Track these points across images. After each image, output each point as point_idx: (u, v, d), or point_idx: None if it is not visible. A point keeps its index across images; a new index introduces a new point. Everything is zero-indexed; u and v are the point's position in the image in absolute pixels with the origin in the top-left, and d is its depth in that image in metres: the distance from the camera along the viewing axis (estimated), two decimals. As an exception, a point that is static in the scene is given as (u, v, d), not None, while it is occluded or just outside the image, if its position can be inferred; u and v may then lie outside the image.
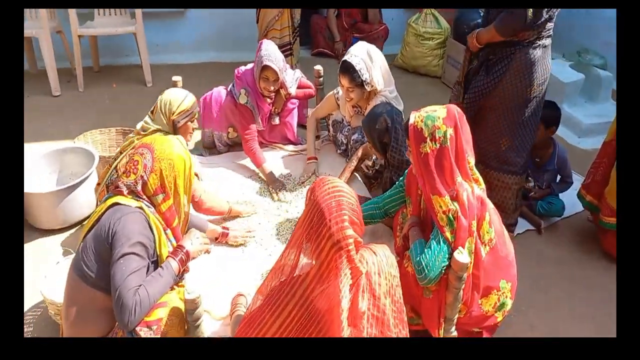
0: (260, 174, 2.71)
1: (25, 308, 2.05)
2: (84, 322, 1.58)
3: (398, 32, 4.43)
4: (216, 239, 2.21)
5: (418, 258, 1.63)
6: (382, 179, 2.39)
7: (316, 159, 2.72)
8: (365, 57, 2.40)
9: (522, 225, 2.61)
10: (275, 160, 2.83)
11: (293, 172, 2.75)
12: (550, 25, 2.10)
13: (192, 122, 2.17)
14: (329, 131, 2.95)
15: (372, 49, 2.45)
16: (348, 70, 2.37)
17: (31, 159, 2.60)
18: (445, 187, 1.64)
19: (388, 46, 4.52)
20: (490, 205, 1.74)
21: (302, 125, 3.06)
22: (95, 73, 4.20)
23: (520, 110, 2.20)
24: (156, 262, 1.64)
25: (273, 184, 2.61)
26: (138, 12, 3.77)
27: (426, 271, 1.60)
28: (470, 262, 1.64)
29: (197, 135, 3.01)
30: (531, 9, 1.96)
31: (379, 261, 1.36)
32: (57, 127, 3.34)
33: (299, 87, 2.87)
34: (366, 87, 2.40)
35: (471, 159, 1.71)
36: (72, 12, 3.63)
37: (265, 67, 2.55)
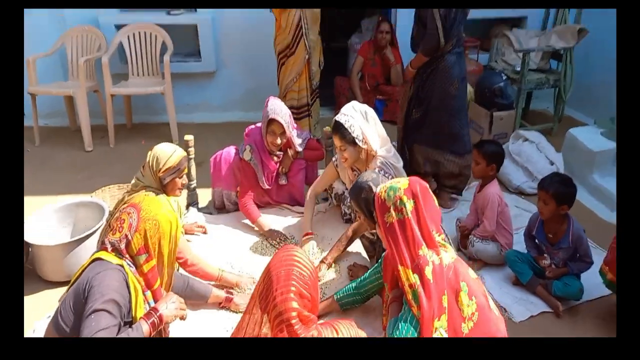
0: (257, 229, 2.67)
1: None
2: None
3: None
4: (220, 304, 2.14)
5: (390, 336, 1.51)
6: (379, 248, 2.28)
7: (313, 234, 2.58)
8: (355, 114, 2.37)
9: (539, 306, 2.38)
10: (279, 221, 2.79)
11: (296, 236, 2.68)
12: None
13: (179, 178, 2.17)
14: (331, 202, 2.88)
15: (365, 107, 2.42)
16: (338, 128, 2.34)
17: (46, 212, 2.71)
18: (410, 258, 1.56)
19: (411, 108, 4.52)
20: (468, 274, 1.61)
21: (310, 185, 3.02)
22: (128, 130, 4.44)
23: (451, 102, 2.96)
24: (130, 323, 1.61)
25: (272, 237, 2.56)
26: (167, 73, 4.01)
27: None
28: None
29: (208, 195, 3.05)
30: (442, 35, 2.78)
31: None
32: (84, 182, 3.50)
33: (308, 148, 2.86)
34: (359, 144, 2.33)
35: (437, 236, 1.62)
36: (107, 73, 3.92)
37: (272, 121, 2.58)
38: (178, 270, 2.22)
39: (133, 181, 2.24)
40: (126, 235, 1.65)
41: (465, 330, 1.53)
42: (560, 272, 2.41)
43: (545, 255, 2.47)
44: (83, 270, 1.64)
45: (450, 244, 2.24)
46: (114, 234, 1.67)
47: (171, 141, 4.08)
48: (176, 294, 2.01)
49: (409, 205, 1.59)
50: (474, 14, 4.48)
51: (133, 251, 1.65)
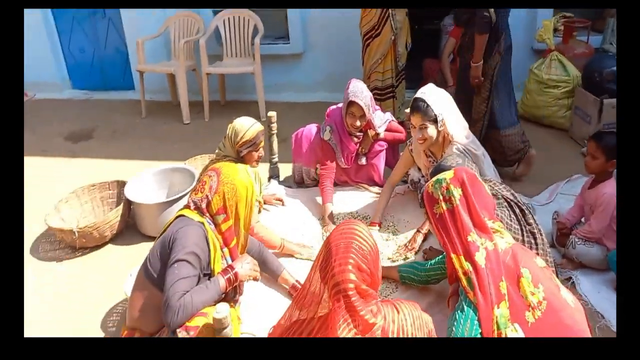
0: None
1: (114, 303, 2.31)
2: (144, 315, 1.73)
3: (519, 78, 4.13)
4: (287, 289, 2.17)
5: (448, 334, 1.47)
6: None
7: (380, 225, 2.58)
8: (436, 92, 2.29)
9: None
10: (354, 201, 2.81)
11: (371, 215, 2.67)
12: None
13: (256, 151, 2.27)
14: (409, 187, 2.83)
15: (442, 90, 2.33)
16: (419, 105, 2.25)
17: (145, 176, 3.01)
18: (461, 247, 1.52)
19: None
20: (532, 261, 1.51)
21: (390, 167, 2.99)
22: (222, 106, 4.74)
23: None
24: (209, 276, 1.73)
25: (326, 224, 2.60)
26: (257, 55, 4.21)
27: None
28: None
29: (289, 169, 3.16)
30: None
31: (401, 320, 1.24)
32: (180, 151, 3.81)
33: (388, 130, 2.83)
34: (439, 126, 2.26)
35: (491, 223, 1.56)
36: (204, 54, 4.21)
37: (352, 103, 2.59)
38: None
39: (216, 151, 2.42)
40: (207, 196, 1.77)
41: (531, 319, 1.45)
42: None
43: None
44: (169, 225, 1.79)
45: (544, 237, 2.09)
46: (197, 194, 1.80)
47: (258, 118, 4.30)
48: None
49: (457, 193, 1.57)
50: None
51: (212, 210, 1.77)
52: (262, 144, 2.33)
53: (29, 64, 5.20)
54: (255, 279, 1.85)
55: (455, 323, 1.46)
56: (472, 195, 1.57)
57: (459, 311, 1.48)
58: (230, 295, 1.80)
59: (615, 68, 3.44)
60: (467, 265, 1.49)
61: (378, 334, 1.21)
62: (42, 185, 3.46)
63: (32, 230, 2.91)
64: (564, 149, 3.54)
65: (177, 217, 1.79)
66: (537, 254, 1.99)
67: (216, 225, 1.78)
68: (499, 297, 1.44)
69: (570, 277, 2.29)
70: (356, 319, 1.20)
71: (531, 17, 4.24)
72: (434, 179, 1.65)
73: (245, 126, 2.25)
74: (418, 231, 2.39)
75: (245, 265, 1.79)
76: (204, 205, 1.77)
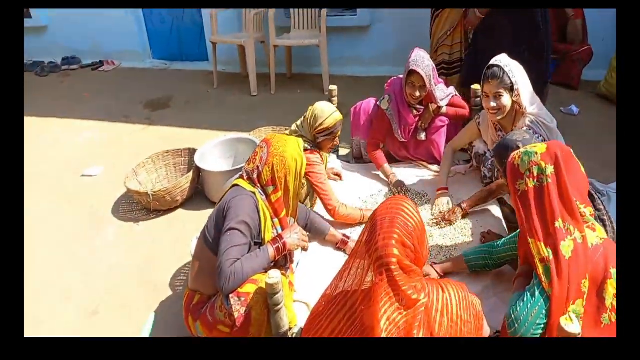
0: (382, 176, 2.71)
1: (182, 264, 2.51)
2: (202, 278, 1.86)
3: (605, 55, 3.77)
4: (336, 244, 2.25)
5: (510, 310, 1.42)
6: None
7: (447, 189, 2.52)
8: (510, 62, 2.17)
9: None
10: (413, 177, 2.77)
11: (429, 193, 2.62)
12: None
13: (332, 140, 2.28)
14: (472, 164, 2.72)
15: (514, 61, 2.20)
16: (495, 72, 2.15)
17: (213, 144, 3.18)
18: (543, 231, 1.40)
19: (589, 71, 3.90)
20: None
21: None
22: (288, 79, 4.82)
23: None
24: (260, 244, 1.82)
25: (394, 185, 2.60)
26: (323, 27, 4.20)
27: (516, 326, 1.37)
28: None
29: (347, 146, 3.18)
30: None
31: (446, 299, 1.24)
32: (247, 122, 3.97)
33: (451, 105, 2.73)
34: (514, 95, 2.14)
35: (583, 208, 1.41)
36: (272, 26, 4.27)
37: (412, 72, 2.52)
38: (304, 202, 2.42)
39: (293, 127, 2.45)
40: (257, 167, 1.83)
41: (607, 321, 1.37)
42: None
43: None
44: (225, 194, 1.88)
45: (614, 225, 1.96)
46: (249, 164, 1.87)
47: (322, 91, 4.32)
48: (297, 220, 2.20)
49: (549, 170, 1.43)
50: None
51: (263, 181, 1.83)
52: (339, 133, 2.35)
53: (116, 31, 5.60)
54: (304, 249, 1.91)
55: (522, 304, 1.40)
56: (565, 175, 1.43)
57: (529, 294, 1.41)
58: (281, 263, 1.89)
59: None
60: (548, 253, 1.40)
61: (421, 310, 1.21)
62: (123, 149, 3.80)
63: (113, 192, 3.22)
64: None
65: (232, 186, 1.88)
66: None
67: (267, 195, 1.84)
68: (578, 293, 1.36)
69: None
70: (399, 294, 1.21)
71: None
72: (523, 149, 1.52)
73: (326, 113, 2.27)
74: (459, 205, 2.33)
75: (294, 235, 1.84)
76: (255, 176, 1.83)
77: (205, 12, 5.00)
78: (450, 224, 2.31)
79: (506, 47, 2.46)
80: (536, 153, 1.47)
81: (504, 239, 1.92)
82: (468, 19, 3.17)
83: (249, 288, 1.67)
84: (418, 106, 2.72)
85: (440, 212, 2.36)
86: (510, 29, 2.89)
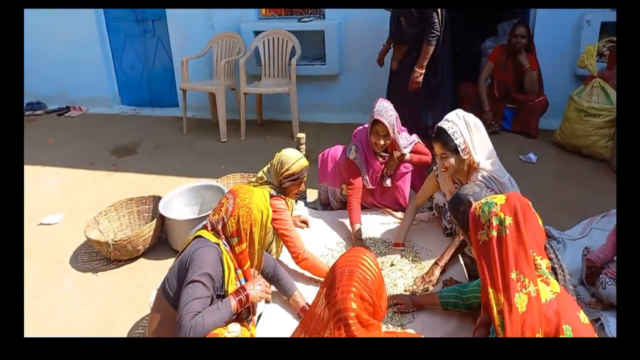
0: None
1: (141, 316, 2.40)
2: (161, 332, 1.78)
3: (560, 105, 3.99)
4: (297, 310, 2.15)
5: None
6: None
7: (403, 245, 2.55)
8: (459, 122, 2.25)
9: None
10: (378, 225, 2.80)
11: (392, 240, 2.64)
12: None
13: (298, 186, 2.31)
14: (434, 213, 2.78)
15: (470, 116, 2.28)
16: (440, 134, 2.24)
17: (179, 192, 3.13)
18: (502, 282, 1.41)
19: (546, 120, 4.12)
20: (575, 316, 1.40)
21: (416, 190, 2.96)
22: (258, 125, 4.87)
23: None
24: (222, 297, 1.77)
25: (354, 245, 2.58)
26: (293, 75, 4.32)
27: None
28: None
29: (315, 193, 3.19)
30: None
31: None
32: (215, 168, 3.95)
33: (414, 152, 2.81)
34: (462, 154, 2.22)
35: (539, 260, 1.44)
36: (243, 74, 4.37)
37: (376, 122, 2.60)
38: (269, 248, 2.38)
39: (259, 174, 2.47)
40: (223, 218, 1.82)
41: None
42: None
43: None
44: (187, 245, 1.85)
45: (566, 274, 2.00)
46: (214, 215, 1.86)
47: (292, 138, 4.38)
48: (265, 275, 2.16)
49: (507, 221, 1.46)
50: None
51: (227, 233, 1.81)
52: (305, 179, 2.38)
53: (85, 79, 5.59)
54: (267, 301, 1.88)
55: None
56: (523, 226, 1.46)
57: None
58: (244, 315, 1.84)
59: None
60: (504, 304, 1.40)
61: None
62: (86, 196, 3.69)
63: (73, 241, 3.09)
64: (603, 182, 3.37)
65: (195, 237, 1.85)
66: None
67: (231, 247, 1.82)
68: None
69: (599, 318, 2.17)
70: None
71: (575, 40, 4.11)
72: (483, 200, 1.55)
73: (293, 159, 2.31)
74: (436, 264, 2.34)
75: (257, 287, 1.82)
76: (219, 227, 1.82)
77: (176, 59, 5.08)
78: (433, 286, 2.27)
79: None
80: (496, 204, 1.50)
81: (472, 284, 1.94)
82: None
83: None
84: (383, 154, 2.79)
85: (418, 277, 2.33)
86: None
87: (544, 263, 1.49)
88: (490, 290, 1.44)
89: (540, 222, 1.55)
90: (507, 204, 1.48)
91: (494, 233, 1.46)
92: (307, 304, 2.16)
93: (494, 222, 1.47)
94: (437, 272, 2.30)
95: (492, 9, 5.45)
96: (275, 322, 2.10)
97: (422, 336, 1.37)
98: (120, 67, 5.61)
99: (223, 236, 1.82)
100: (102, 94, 5.65)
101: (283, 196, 2.37)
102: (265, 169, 2.45)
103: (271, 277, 2.16)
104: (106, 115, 5.55)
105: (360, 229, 2.64)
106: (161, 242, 3.02)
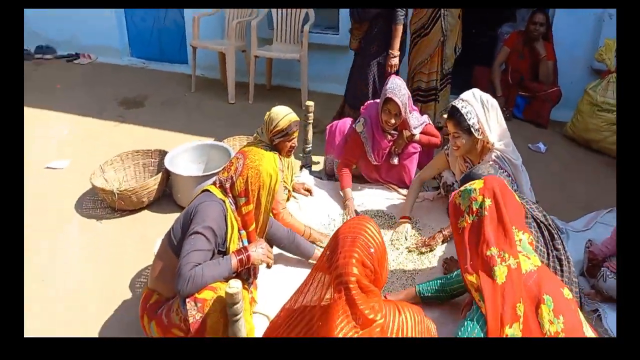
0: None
1: (143, 265, 2.45)
2: (162, 278, 1.83)
3: (574, 98, 3.97)
4: None
5: (454, 336, 1.47)
6: None
7: (409, 219, 2.58)
8: (474, 102, 2.23)
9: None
10: (382, 199, 2.83)
11: (396, 217, 2.67)
12: None
13: (288, 141, 2.31)
14: (440, 192, 2.81)
15: (487, 96, 2.27)
16: (453, 113, 2.24)
17: (185, 148, 3.16)
18: (479, 261, 1.47)
19: (558, 111, 4.09)
20: (558, 290, 1.46)
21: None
22: (267, 90, 4.84)
23: None
24: (224, 254, 1.81)
25: (347, 209, 2.64)
26: (305, 42, 4.25)
27: None
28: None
29: (321, 162, 3.22)
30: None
31: (402, 321, 1.27)
32: (222, 128, 3.95)
33: (424, 133, 2.82)
34: (475, 134, 2.21)
35: (521, 235, 1.48)
36: (254, 36, 4.31)
37: (388, 100, 2.59)
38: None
39: (255, 134, 2.50)
40: (231, 177, 1.83)
41: None
42: None
43: None
44: (194, 198, 1.88)
45: (571, 266, 2.03)
46: (224, 173, 1.87)
47: (300, 106, 4.36)
48: (281, 245, 2.19)
49: (487, 203, 1.50)
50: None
51: (235, 192, 1.83)
52: (296, 134, 2.36)
53: (95, 25, 5.50)
54: (268, 265, 1.90)
55: (462, 328, 1.45)
56: (503, 206, 1.50)
57: (469, 320, 1.47)
58: (244, 276, 1.88)
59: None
60: (481, 279, 1.45)
61: (377, 331, 1.24)
62: (93, 145, 3.71)
63: (78, 187, 3.12)
64: (610, 177, 3.37)
65: (202, 191, 1.87)
66: (562, 281, 1.91)
67: (237, 206, 1.84)
68: (513, 317, 1.41)
69: (597, 310, 2.20)
70: (356, 313, 1.23)
71: (595, 33, 4.05)
72: (462, 188, 1.59)
73: (281, 115, 2.26)
74: (440, 231, 2.39)
75: (259, 250, 1.83)
76: (227, 186, 1.83)
77: (188, 15, 4.99)
78: (431, 250, 2.36)
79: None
80: (475, 190, 1.53)
81: (454, 274, 1.96)
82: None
83: (208, 294, 1.65)
84: (392, 132, 2.79)
85: (422, 238, 2.40)
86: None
87: (525, 237, 1.54)
88: (465, 275, 1.50)
89: (517, 199, 1.59)
90: (485, 187, 1.52)
91: (474, 217, 1.50)
92: None
93: (474, 207, 1.51)
94: (438, 238, 2.36)
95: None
96: (277, 282, 2.14)
97: (421, 310, 1.41)
98: (132, 18, 5.51)
99: (230, 195, 1.84)
100: (112, 44, 5.58)
101: (276, 153, 2.37)
102: (259, 129, 2.45)
103: (289, 247, 2.19)
104: (115, 65, 5.49)
105: (352, 198, 2.70)
106: (165, 197, 3.05)
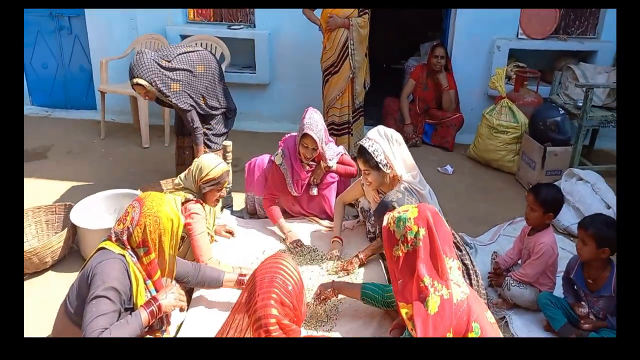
0: (278, 232, 2.75)
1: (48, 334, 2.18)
2: None
3: (474, 122, 4.31)
4: (235, 285, 2.12)
5: None
6: None
7: (341, 239, 2.65)
8: (380, 139, 2.35)
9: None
10: (307, 231, 2.83)
11: (321, 247, 2.68)
12: None
13: (218, 190, 2.27)
14: (360, 219, 2.88)
15: (391, 131, 2.39)
16: (362, 152, 2.34)
17: (94, 199, 2.94)
18: (415, 291, 1.49)
19: (463, 135, 4.42)
20: (483, 315, 1.52)
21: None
22: (184, 132, 4.71)
23: None
24: (131, 310, 1.68)
25: (291, 244, 2.64)
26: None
27: None
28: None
29: (242, 201, 3.15)
30: None
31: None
32: (136, 175, 3.75)
33: (341, 163, 2.88)
34: (384, 169, 2.31)
35: (451, 262, 1.54)
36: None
37: (305, 135, 2.63)
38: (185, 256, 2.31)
39: (176, 180, 2.40)
40: (128, 228, 1.71)
41: None
42: (597, 325, 2.20)
43: (583, 302, 2.28)
44: (89, 259, 1.73)
45: (479, 278, 2.15)
46: (119, 225, 1.75)
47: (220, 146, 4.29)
48: (188, 282, 2.07)
49: (421, 233, 1.52)
50: (539, 45, 4.38)
51: (133, 243, 1.71)
52: (227, 184, 2.34)
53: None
54: (181, 309, 1.80)
55: None
56: (436, 235, 1.53)
57: None
58: (157, 326, 1.76)
59: (558, 119, 3.65)
60: (414, 309, 1.47)
61: None
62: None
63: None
64: (509, 192, 3.69)
65: (98, 249, 1.74)
66: None
67: (138, 258, 1.73)
68: None
69: (504, 317, 2.39)
70: None
71: (487, 64, 4.48)
72: (396, 215, 1.60)
73: (212, 164, 2.28)
74: (356, 255, 2.46)
75: (170, 296, 1.73)
76: (124, 238, 1.72)
77: (95, 60, 4.78)
78: (347, 274, 2.42)
79: None
80: (409, 219, 1.55)
81: (390, 286, 2.00)
82: None
83: None
84: (311, 162, 2.82)
85: (341, 263, 2.47)
86: None
87: (455, 264, 1.58)
88: (400, 304, 1.52)
89: (446, 225, 1.66)
90: (419, 216, 1.55)
91: (409, 248, 1.53)
92: (240, 274, 2.13)
93: (409, 236, 1.53)
94: (355, 262, 2.43)
95: (414, 29, 5.81)
96: (200, 329, 2.01)
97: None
98: (31, 64, 5.16)
99: (129, 247, 1.72)
100: (8, 92, 5.15)
101: (200, 201, 2.33)
102: (182, 175, 2.40)
103: (198, 282, 2.09)
104: (12, 115, 5.05)
105: (290, 230, 2.71)
106: (72, 253, 2.80)
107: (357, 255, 2.47)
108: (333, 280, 2.19)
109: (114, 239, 1.73)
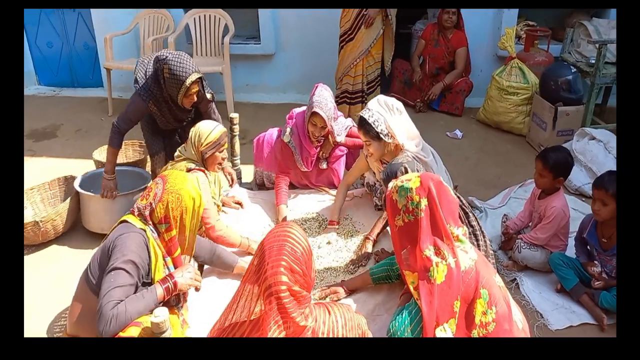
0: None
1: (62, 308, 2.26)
2: (83, 322, 1.71)
3: (484, 85, 4.22)
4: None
5: (390, 324, 1.50)
6: None
7: (338, 223, 2.60)
8: (380, 108, 2.29)
9: (581, 316, 2.20)
10: (314, 203, 2.84)
11: (328, 217, 2.69)
12: None
13: (219, 152, 2.27)
14: (366, 190, 2.87)
15: (392, 100, 2.33)
16: (362, 123, 2.29)
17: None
18: (418, 261, 1.50)
19: (472, 99, 4.33)
20: (492, 280, 1.52)
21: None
22: (192, 106, 4.69)
23: None
24: (149, 285, 1.71)
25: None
26: (226, 54, 4.19)
27: None
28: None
29: (252, 171, 3.15)
30: None
31: (332, 321, 1.26)
32: (141, 151, 3.75)
33: (349, 136, 2.84)
34: (385, 139, 2.26)
35: (456, 230, 1.53)
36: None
37: (314, 114, 2.59)
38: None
39: (176, 153, 2.41)
40: (150, 204, 1.74)
41: (476, 335, 1.47)
42: (610, 284, 2.20)
43: (596, 262, 2.27)
44: (111, 231, 1.77)
45: (487, 239, 2.15)
46: (142, 200, 1.78)
47: (226, 118, 4.26)
48: (203, 260, 2.12)
49: (422, 204, 1.52)
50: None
51: (155, 219, 1.74)
52: (226, 145, 2.34)
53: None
54: (196, 289, 1.83)
55: (400, 319, 1.47)
56: (438, 204, 1.52)
57: (406, 311, 1.49)
58: (172, 303, 1.78)
59: (569, 77, 3.54)
60: (418, 279, 1.48)
61: (308, 335, 1.22)
62: None
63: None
64: (520, 155, 3.64)
65: (120, 222, 1.77)
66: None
67: (159, 233, 1.76)
68: (450, 314, 1.45)
69: (515, 279, 2.40)
70: (287, 321, 1.21)
71: (496, 24, 4.33)
72: (398, 184, 1.59)
73: (209, 128, 2.28)
74: (367, 238, 2.41)
75: (186, 274, 1.76)
76: (147, 213, 1.74)
77: (100, 37, 4.74)
78: (366, 261, 2.34)
79: None
80: (411, 189, 1.54)
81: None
82: None
83: (132, 331, 1.55)
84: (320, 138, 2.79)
85: (353, 259, 2.36)
86: None
87: (460, 231, 1.58)
88: (406, 273, 1.52)
89: (452, 193, 1.63)
90: (421, 186, 1.54)
91: (411, 218, 1.52)
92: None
93: (410, 206, 1.53)
94: (368, 245, 2.37)
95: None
96: (210, 303, 2.05)
97: (350, 307, 1.41)
98: (36, 43, 5.15)
99: (151, 222, 1.75)
100: (15, 73, 5.16)
101: (203, 168, 2.33)
102: (181, 148, 2.41)
103: (211, 260, 2.12)
104: (21, 96, 5.09)
105: (285, 215, 2.66)
106: (77, 228, 2.84)
107: (367, 238, 2.42)
108: (342, 281, 2.16)
109: (136, 213, 1.76)
